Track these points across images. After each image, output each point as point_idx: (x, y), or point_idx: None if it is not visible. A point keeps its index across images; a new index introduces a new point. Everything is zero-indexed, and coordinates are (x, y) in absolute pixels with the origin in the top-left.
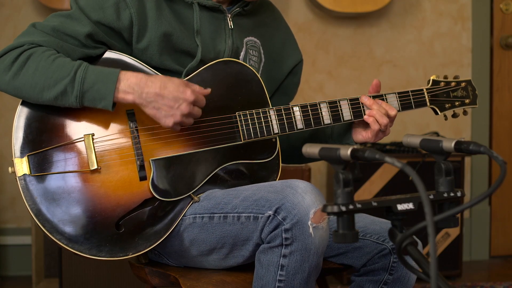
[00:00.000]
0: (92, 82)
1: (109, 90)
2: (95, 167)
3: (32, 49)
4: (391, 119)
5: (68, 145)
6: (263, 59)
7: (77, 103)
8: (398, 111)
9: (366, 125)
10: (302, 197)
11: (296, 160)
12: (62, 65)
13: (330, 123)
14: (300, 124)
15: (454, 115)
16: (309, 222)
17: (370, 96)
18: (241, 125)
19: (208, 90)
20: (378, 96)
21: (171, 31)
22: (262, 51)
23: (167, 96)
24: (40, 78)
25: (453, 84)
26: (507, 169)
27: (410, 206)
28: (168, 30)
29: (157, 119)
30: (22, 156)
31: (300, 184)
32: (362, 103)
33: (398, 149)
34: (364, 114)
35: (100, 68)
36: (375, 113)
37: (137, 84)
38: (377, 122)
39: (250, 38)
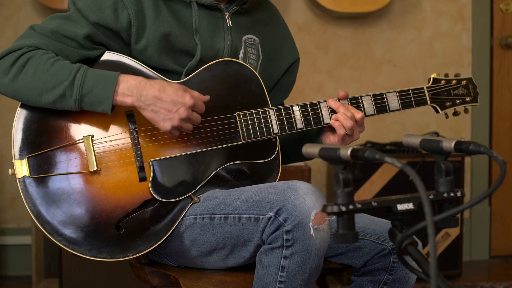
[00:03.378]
0: (91, 86)
1: (108, 94)
2: (95, 168)
3: (31, 52)
4: (358, 122)
5: (68, 146)
6: (261, 57)
7: (76, 107)
8: (399, 109)
9: (334, 129)
10: (303, 199)
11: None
12: (61, 68)
13: (330, 122)
14: (300, 124)
15: (455, 113)
16: (310, 224)
17: (337, 100)
18: (241, 125)
19: (207, 97)
20: (378, 96)
21: (170, 31)
22: (260, 49)
23: (166, 99)
24: (39, 82)
25: (453, 82)
26: (507, 169)
27: (410, 206)
28: (166, 31)
29: (155, 122)
30: (21, 158)
31: (301, 186)
32: (328, 106)
33: (398, 149)
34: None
35: (100, 72)
36: (340, 116)
37: (136, 87)
38: (343, 126)
39: (249, 36)
